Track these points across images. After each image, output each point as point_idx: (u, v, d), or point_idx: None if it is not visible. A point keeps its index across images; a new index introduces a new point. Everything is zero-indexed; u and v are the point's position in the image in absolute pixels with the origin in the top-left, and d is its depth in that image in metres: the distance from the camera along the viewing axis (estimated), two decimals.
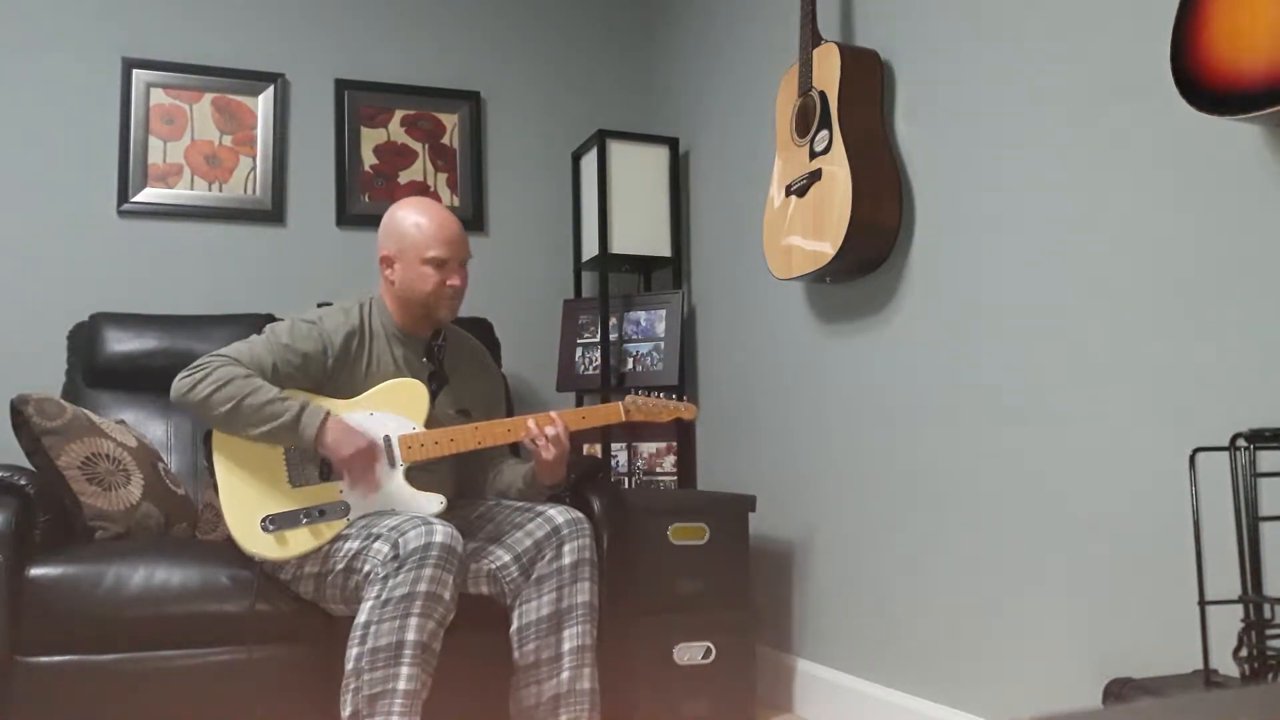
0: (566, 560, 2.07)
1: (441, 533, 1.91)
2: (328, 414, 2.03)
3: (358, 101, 3.31)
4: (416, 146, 3.38)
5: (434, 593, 1.87)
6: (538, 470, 2.18)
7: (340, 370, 2.15)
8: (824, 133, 2.32)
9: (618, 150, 3.24)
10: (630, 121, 3.63)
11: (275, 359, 2.08)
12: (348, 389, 2.15)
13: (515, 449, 2.44)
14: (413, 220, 2.18)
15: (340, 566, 1.99)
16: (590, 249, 3.26)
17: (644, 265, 3.32)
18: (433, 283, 2.17)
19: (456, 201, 3.40)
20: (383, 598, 1.86)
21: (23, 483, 2.05)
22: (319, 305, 2.33)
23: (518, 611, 2.08)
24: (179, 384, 2.03)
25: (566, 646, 2.04)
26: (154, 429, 2.66)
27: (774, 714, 2.65)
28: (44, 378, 2.79)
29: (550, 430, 2.12)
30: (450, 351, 2.30)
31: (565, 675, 2.03)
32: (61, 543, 2.08)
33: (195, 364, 2.04)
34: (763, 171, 2.87)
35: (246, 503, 2.02)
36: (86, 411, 2.31)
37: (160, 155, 3.10)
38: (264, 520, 2.00)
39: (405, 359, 2.22)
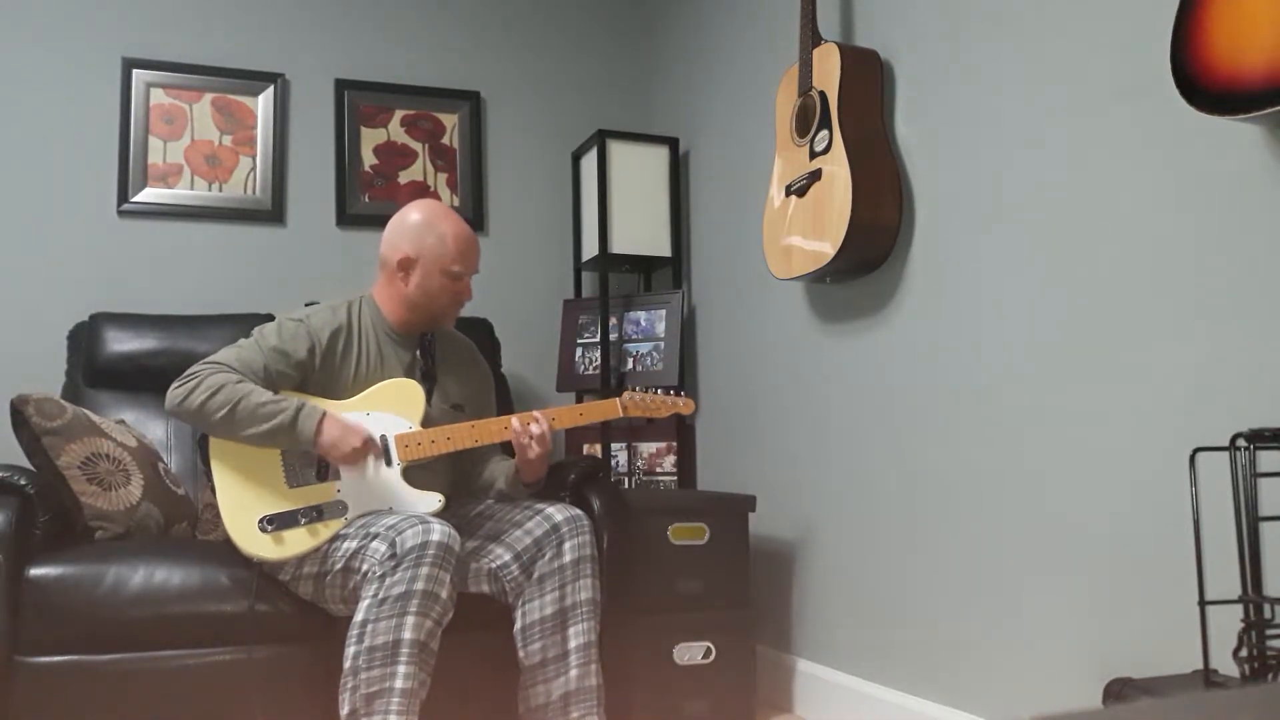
0: (567, 558, 2.07)
1: (439, 531, 1.91)
2: (325, 414, 2.04)
3: (358, 101, 3.31)
4: (416, 146, 3.38)
5: (431, 591, 1.87)
6: (520, 467, 2.19)
7: (327, 367, 2.15)
8: (824, 133, 2.32)
9: (618, 150, 3.24)
10: (630, 121, 3.63)
11: (266, 361, 2.08)
12: (337, 387, 2.15)
13: (508, 446, 2.44)
14: (440, 230, 2.19)
15: (339, 566, 1.99)
16: (590, 249, 3.26)
17: (644, 265, 3.32)
18: (449, 294, 2.21)
19: (456, 201, 3.40)
20: (379, 596, 1.86)
21: (23, 483, 2.05)
22: (307, 305, 2.33)
23: (520, 611, 2.08)
24: (172, 394, 2.03)
25: (572, 644, 2.04)
26: (154, 429, 2.66)
27: (774, 714, 2.65)
28: (44, 378, 2.79)
29: (535, 429, 2.13)
30: (440, 348, 2.31)
31: (574, 673, 2.03)
32: (61, 543, 2.08)
33: (187, 373, 2.05)
34: (763, 171, 2.87)
35: (244, 504, 2.02)
36: (86, 411, 2.31)
37: (160, 155, 3.10)
38: (262, 521, 2.01)
39: (396, 356, 2.22)
